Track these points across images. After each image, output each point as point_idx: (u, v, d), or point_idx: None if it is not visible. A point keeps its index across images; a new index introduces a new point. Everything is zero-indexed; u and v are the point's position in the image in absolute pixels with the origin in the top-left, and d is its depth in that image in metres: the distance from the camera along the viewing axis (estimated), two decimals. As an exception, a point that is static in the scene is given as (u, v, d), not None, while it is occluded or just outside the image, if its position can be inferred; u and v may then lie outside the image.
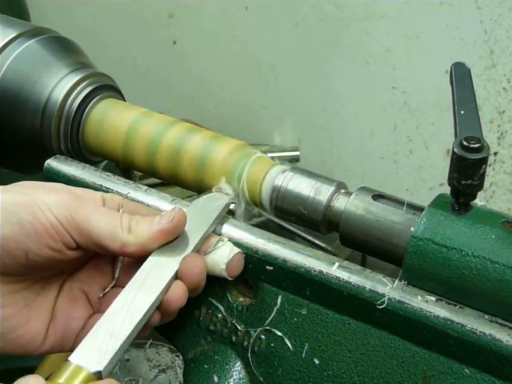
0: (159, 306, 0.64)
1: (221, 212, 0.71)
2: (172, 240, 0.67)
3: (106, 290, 0.69)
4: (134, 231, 0.65)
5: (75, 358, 0.57)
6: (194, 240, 0.67)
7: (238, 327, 0.71)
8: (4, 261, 0.63)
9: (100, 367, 0.57)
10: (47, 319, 0.68)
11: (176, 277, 0.65)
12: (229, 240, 0.70)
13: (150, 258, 0.65)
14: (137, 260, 0.66)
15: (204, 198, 0.74)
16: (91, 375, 0.56)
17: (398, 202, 0.69)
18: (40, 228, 0.63)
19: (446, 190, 0.65)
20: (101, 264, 0.70)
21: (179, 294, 0.64)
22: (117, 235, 0.64)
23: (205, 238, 0.69)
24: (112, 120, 0.83)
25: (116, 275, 0.69)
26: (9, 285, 0.65)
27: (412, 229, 0.64)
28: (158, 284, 0.64)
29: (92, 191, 0.70)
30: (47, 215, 0.63)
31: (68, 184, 0.72)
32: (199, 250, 0.68)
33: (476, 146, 0.60)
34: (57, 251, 0.64)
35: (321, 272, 0.66)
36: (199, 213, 0.71)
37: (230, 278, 0.68)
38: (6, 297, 0.65)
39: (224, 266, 0.68)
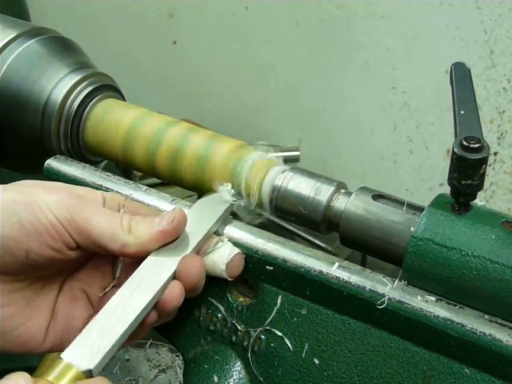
0: (156, 306, 0.64)
1: (223, 214, 0.71)
2: (172, 240, 0.67)
3: (107, 290, 0.69)
4: (134, 232, 0.65)
5: (67, 355, 0.56)
6: (194, 241, 0.67)
7: (238, 327, 0.71)
8: (4, 260, 0.63)
9: (91, 365, 0.56)
10: (48, 318, 0.68)
11: (174, 277, 0.65)
12: (229, 240, 0.70)
13: (148, 258, 0.65)
14: (137, 260, 0.66)
15: (207, 198, 0.73)
16: (81, 373, 0.55)
17: (398, 202, 0.69)
18: (40, 228, 0.63)
19: (446, 189, 0.65)
20: (101, 264, 0.70)
21: (175, 294, 0.64)
22: (117, 236, 0.64)
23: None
24: (112, 120, 0.83)
25: (117, 275, 0.69)
26: (8, 284, 0.65)
27: (412, 229, 0.64)
28: (154, 284, 0.63)
29: (93, 190, 0.70)
30: (48, 215, 0.63)
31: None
32: (199, 250, 0.68)
33: (476, 146, 0.60)
34: (57, 251, 0.64)
35: (321, 272, 0.66)
36: (201, 213, 0.71)
37: (229, 279, 0.68)
38: (6, 296, 0.65)
39: (224, 267, 0.68)
